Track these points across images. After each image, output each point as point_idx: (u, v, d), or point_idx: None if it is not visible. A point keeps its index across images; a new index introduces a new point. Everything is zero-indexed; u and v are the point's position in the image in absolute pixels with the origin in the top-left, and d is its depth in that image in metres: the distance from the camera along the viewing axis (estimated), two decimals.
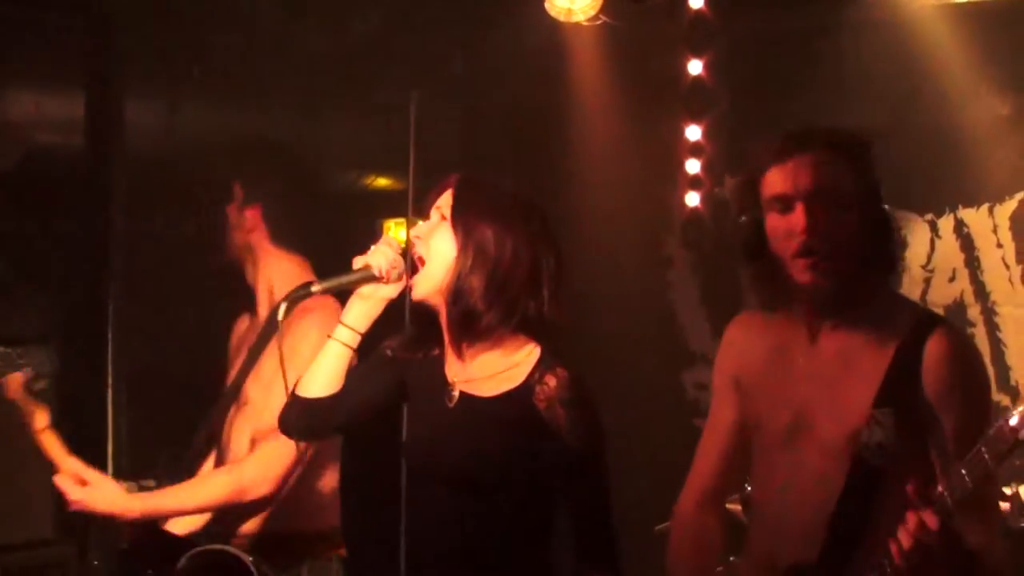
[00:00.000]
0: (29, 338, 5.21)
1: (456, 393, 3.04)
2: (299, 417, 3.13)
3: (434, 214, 3.07)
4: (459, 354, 3.05)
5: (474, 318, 2.98)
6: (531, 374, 2.98)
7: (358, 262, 3.04)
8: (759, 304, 3.12)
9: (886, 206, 2.94)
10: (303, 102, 6.10)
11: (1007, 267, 5.33)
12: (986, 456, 2.50)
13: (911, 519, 2.60)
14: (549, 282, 3.02)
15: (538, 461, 2.94)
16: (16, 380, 3.79)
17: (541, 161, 6.30)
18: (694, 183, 6.02)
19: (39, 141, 5.32)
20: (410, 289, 3.03)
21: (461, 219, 3.01)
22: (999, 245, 5.36)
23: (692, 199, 6.05)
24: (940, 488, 2.59)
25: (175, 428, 4.18)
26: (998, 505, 3.00)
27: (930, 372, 2.82)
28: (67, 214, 5.28)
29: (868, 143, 2.95)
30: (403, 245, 3.06)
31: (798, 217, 2.85)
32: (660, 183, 6.23)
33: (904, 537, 2.61)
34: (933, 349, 2.82)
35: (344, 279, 3.05)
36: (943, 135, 5.28)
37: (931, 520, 2.57)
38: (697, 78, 5.79)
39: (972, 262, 5.42)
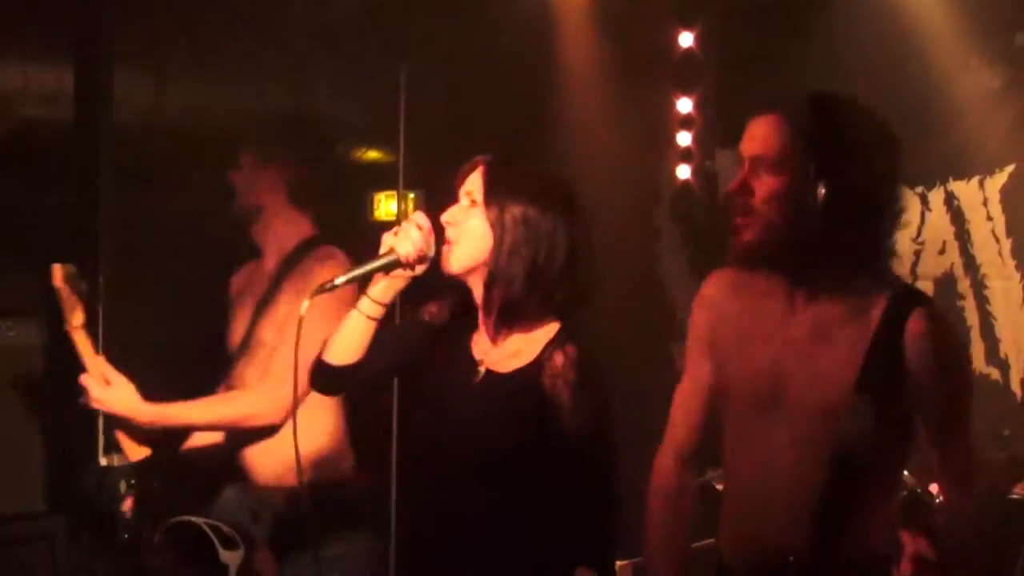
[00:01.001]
0: (18, 311, 5.21)
1: (482, 370, 3.03)
2: (325, 380, 3.14)
3: (464, 199, 3.04)
4: (494, 336, 3.04)
5: (515, 305, 2.96)
6: (543, 351, 2.97)
7: (385, 244, 3.01)
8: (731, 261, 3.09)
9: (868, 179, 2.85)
10: (291, 74, 6.08)
11: (997, 240, 5.33)
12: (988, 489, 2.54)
13: (909, 547, 2.60)
14: (581, 262, 2.99)
15: (543, 441, 2.90)
16: (59, 270, 3.87)
17: (531, 133, 6.28)
18: (684, 155, 6.02)
19: (27, 114, 5.29)
20: (444, 263, 3.00)
21: (495, 204, 2.98)
22: (989, 218, 5.36)
23: (683, 171, 6.05)
24: (940, 523, 2.60)
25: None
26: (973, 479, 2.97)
27: (911, 356, 2.80)
28: (55, 187, 5.25)
29: (839, 111, 2.90)
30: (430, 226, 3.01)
31: (737, 176, 2.90)
32: (650, 155, 6.22)
33: (905, 567, 2.61)
34: (913, 332, 2.80)
35: (369, 267, 3.01)
36: (934, 108, 5.27)
37: (930, 554, 2.57)
38: (688, 50, 5.79)
39: (962, 235, 5.42)
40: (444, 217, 3.03)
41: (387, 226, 6.41)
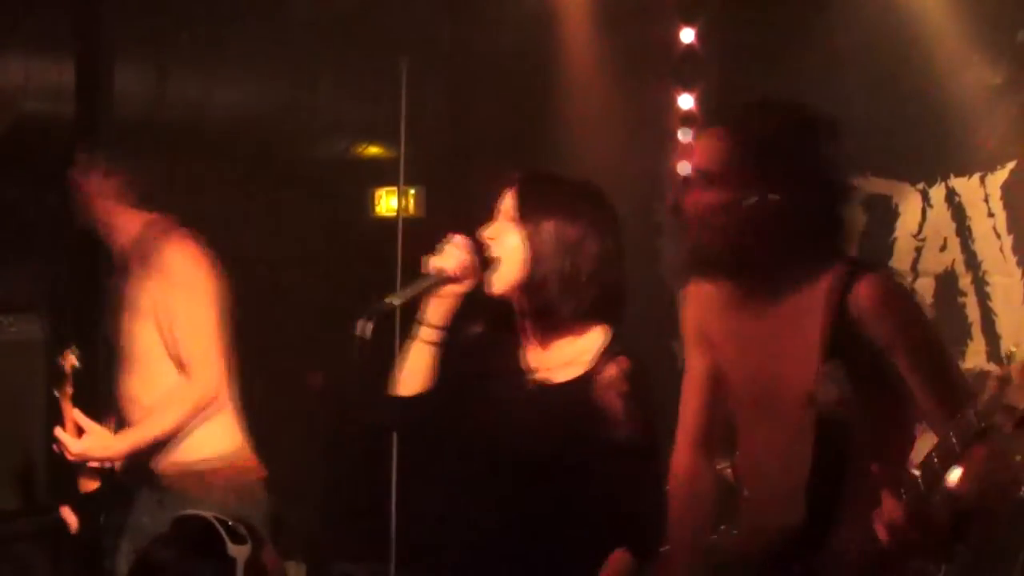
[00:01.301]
0: (18, 306, 5.23)
1: (535, 379, 3.16)
2: (398, 415, 3.29)
3: (502, 216, 3.18)
4: (539, 343, 3.16)
5: (550, 310, 3.10)
6: (596, 361, 3.10)
7: (430, 266, 3.13)
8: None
9: (799, 182, 2.92)
10: (292, 69, 6.08)
11: (998, 236, 5.32)
12: (954, 441, 2.52)
13: (885, 506, 2.60)
14: (613, 266, 3.14)
15: (595, 446, 3.02)
16: (70, 356, 4.17)
17: (531, 129, 6.29)
18: (685, 151, 6.02)
19: (28, 109, 5.30)
20: (488, 286, 3.13)
21: (526, 217, 3.12)
22: (990, 214, 5.35)
23: (684, 167, 6.05)
24: (912, 473, 2.61)
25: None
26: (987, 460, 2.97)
27: (865, 317, 2.85)
28: (56, 182, 5.26)
29: (773, 117, 2.98)
30: (472, 243, 3.15)
31: (687, 191, 3.06)
32: (651, 151, 6.22)
33: (881, 529, 2.61)
34: (863, 293, 2.87)
35: (420, 286, 3.13)
36: (935, 104, 5.27)
37: (899, 515, 2.57)
38: (689, 46, 5.79)
39: (963, 231, 5.41)
40: (484, 233, 3.16)
41: (388, 222, 6.44)
